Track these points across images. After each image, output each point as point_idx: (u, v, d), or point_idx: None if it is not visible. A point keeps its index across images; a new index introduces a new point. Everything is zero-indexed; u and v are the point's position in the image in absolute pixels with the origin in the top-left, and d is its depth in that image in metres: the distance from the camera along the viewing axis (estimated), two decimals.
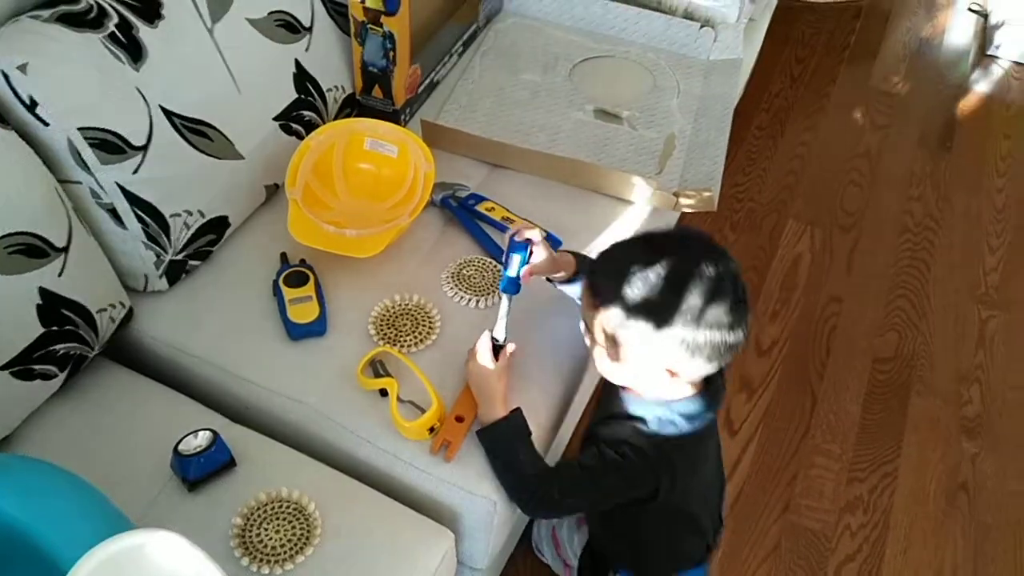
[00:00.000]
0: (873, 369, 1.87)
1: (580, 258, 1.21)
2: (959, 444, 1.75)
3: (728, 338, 0.96)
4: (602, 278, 1.02)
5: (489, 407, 1.11)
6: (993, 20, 2.85)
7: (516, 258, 1.12)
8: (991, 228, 2.23)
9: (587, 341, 1.07)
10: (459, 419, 1.13)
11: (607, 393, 1.13)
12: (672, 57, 1.79)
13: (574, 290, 1.20)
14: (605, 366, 1.05)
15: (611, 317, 0.98)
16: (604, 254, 1.04)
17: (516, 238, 1.12)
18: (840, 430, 1.76)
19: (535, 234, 1.13)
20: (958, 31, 2.92)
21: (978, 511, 1.64)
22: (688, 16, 1.84)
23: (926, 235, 2.19)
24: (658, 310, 0.95)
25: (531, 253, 1.13)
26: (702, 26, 1.81)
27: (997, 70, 2.76)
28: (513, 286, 1.14)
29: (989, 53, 2.79)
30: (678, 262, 0.96)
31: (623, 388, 1.07)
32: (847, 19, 2.91)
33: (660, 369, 0.98)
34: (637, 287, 0.95)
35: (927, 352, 1.92)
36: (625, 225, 1.44)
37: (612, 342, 1.00)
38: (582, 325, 1.06)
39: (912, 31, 2.90)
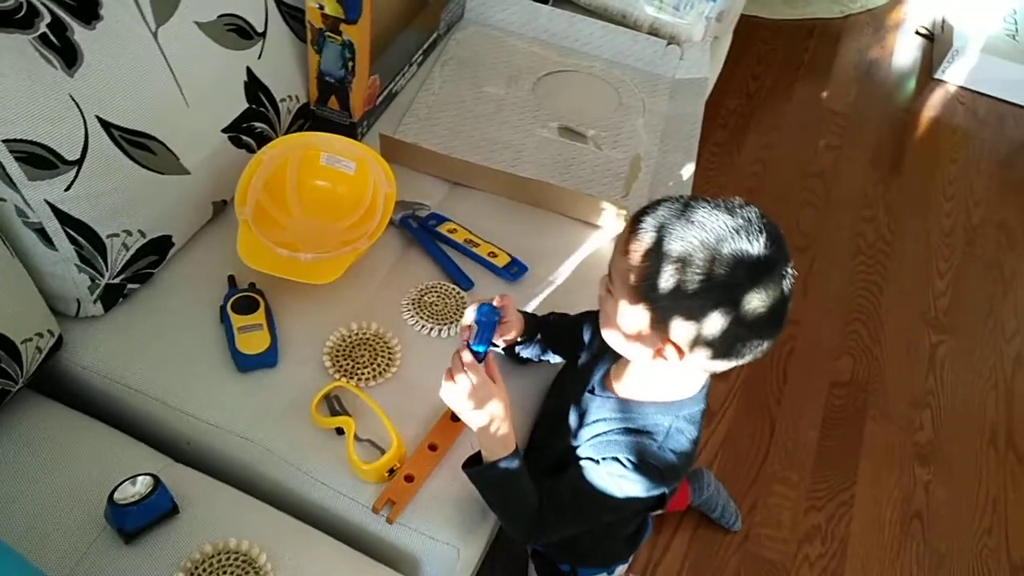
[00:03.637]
0: (830, 394, 1.87)
1: (528, 317, 1.14)
2: (912, 470, 1.76)
3: (759, 337, 0.88)
4: (655, 292, 0.87)
5: (504, 441, 0.96)
6: (939, 44, 2.91)
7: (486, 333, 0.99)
8: (940, 252, 2.26)
9: (613, 340, 0.96)
10: (408, 479, 1.05)
11: (588, 411, 1.04)
12: (638, 74, 1.75)
13: (529, 352, 1.15)
14: (643, 365, 0.96)
15: (655, 311, 0.88)
16: (644, 265, 0.88)
17: (483, 314, 0.99)
18: (798, 457, 1.74)
19: (506, 305, 1.05)
20: (905, 53, 2.97)
21: (932, 539, 1.65)
22: (654, 32, 1.81)
23: (879, 258, 2.21)
24: (730, 310, 0.84)
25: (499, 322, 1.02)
26: (668, 43, 1.77)
27: (944, 94, 2.81)
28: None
29: (936, 76, 2.84)
30: (743, 232, 0.84)
31: (628, 400, 1.00)
32: (800, 37, 2.93)
33: (705, 360, 0.89)
34: (686, 243, 0.84)
35: (881, 377, 1.92)
36: (593, 250, 1.39)
37: (634, 293, 0.89)
38: (626, 346, 0.95)
39: (861, 52, 2.93)
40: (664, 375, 0.97)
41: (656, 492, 0.99)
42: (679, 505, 1.56)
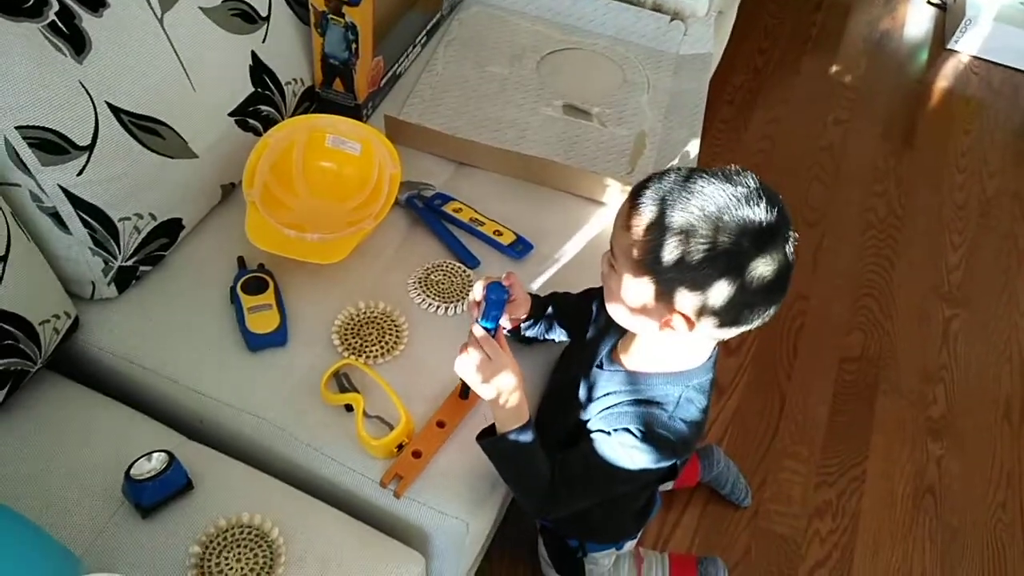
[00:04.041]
0: (840, 369, 1.87)
1: (534, 298, 1.16)
2: (925, 445, 1.75)
3: (766, 303, 0.89)
4: (659, 264, 0.88)
5: (517, 413, 0.98)
6: (952, 14, 2.87)
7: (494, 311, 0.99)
8: (953, 225, 2.25)
9: (619, 314, 0.97)
10: (416, 455, 1.06)
11: (597, 385, 1.06)
12: (641, 51, 1.74)
13: (533, 331, 1.17)
14: (650, 337, 0.96)
15: (648, 237, 0.88)
16: (648, 238, 0.89)
17: (493, 292, 0.99)
18: (808, 432, 1.75)
19: (513, 284, 1.06)
20: (917, 24, 2.94)
21: (945, 513, 1.65)
22: (657, 8, 1.80)
23: (890, 232, 2.20)
24: (736, 278, 0.85)
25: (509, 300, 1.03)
26: (671, 19, 1.77)
27: (957, 64, 2.78)
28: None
29: (948, 47, 2.81)
30: (744, 199, 0.85)
31: (636, 372, 1.01)
32: (808, 10, 2.90)
33: (712, 329, 0.90)
34: (688, 214, 0.85)
35: (892, 352, 1.92)
36: (598, 227, 1.40)
37: (638, 267, 0.90)
38: (631, 320, 0.96)
39: (872, 24, 2.90)
40: (671, 346, 0.98)
41: (667, 462, 1.01)
42: (689, 481, 1.57)
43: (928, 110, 2.61)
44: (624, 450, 0.98)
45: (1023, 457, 1.76)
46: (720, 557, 1.45)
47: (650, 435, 0.97)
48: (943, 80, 2.73)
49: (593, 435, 1.01)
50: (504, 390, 0.96)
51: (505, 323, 1.12)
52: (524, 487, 1.04)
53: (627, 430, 0.98)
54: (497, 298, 0.98)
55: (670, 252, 0.87)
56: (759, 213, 0.85)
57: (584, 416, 1.07)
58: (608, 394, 1.03)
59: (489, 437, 1.01)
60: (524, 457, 1.00)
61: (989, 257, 2.17)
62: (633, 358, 1.04)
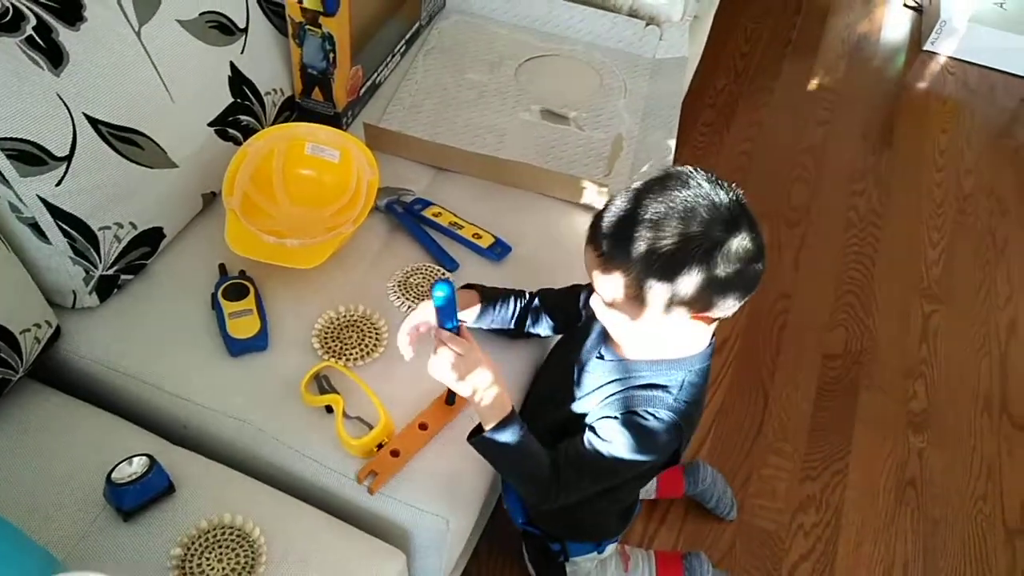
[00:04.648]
0: (823, 366, 1.89)
1: (479, 289, 1.17)
2: (906, 439, 1.77)
3: (756, 267, 0.91)
4: (611, 236, 0.92)
5: (498, 407, 0.98)
6: (927, 16, 2.91)
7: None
8: (931, 222, 2.27)
9: (599, 311, 0.99)
10: (394, 453, 1.08)
11: (597, 376, 1.07)
12: (618, 56, 1.77)
13: (484, 322, 1.18)
14: (627, 330, 0.98)
15: (629, 276, 0.91)
16: (604, 213, 0.94)
17: (435, 293, 0.94)
18: (792, 428, 1.76)
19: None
20: (894, 27, 2.98)
21: (926, 505, 1.67)
22: (633, 14, 1.83)
23: (870, 230, 2.22)
24: (680, 254, 0.88)
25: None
26: (647, 24, 1.80)
27: (933, 65, 2.82)
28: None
29: (925, 48, 2.84)
30: (688, 198, 0.88)
31: (638, 361, 1.03)
32: (788, 14, 2.94)
33: (687, 318, 0.93)
34: (652, 236, 0.88)
35: (874, 348, 1.94)
36: (576, 229, 1.42)
37: (635, 302, 0.92)
38: (591, 299, 0.99)
39: (850, 27, 2.94)
40: (670, 334, 0.98)
41: (674, 445, 1.03)
42: (674, 493, 1.58)
43: (906, 110, 2.65)
44: (631, 434, 1.00)
45: (1003, 449, 1.78)
46: (705, 552, 1.47)
47: (658, 417, 0.99)
48: (920, 81, 2.76)
49: (599, 422, 1.02)
50: (480, 385, 0.97)
51: (467, 316, 1.13)
52: (523, 478, 1.05)
53: (634, 413, 1.00)
54: (444, 297, 0.94)
55: (656, 275, 0.89)
56: (720, 197, 0.89)
57: (580, 408, 1.08)
58: (610, 382, 1.05)
59: (479, 435, 1.01)
60: (516, 449, 1.00)
61: (967, 253, 2.20)
62: (633, 347, 1.04)
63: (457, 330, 0.98)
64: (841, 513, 1.64)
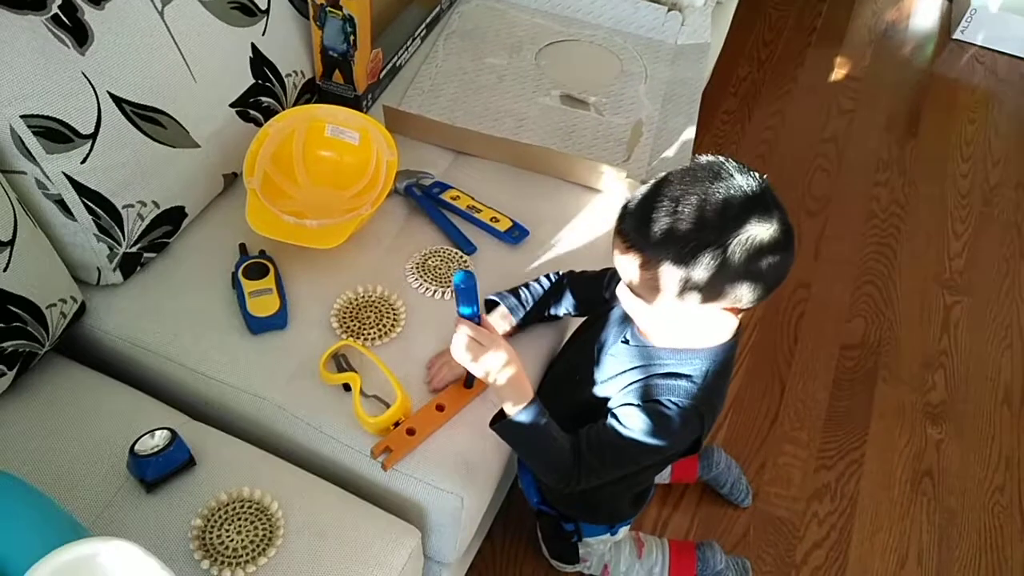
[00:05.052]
0: (841, 356, 1.88)
1: (510, 305, 1.19)
2: (924, 430, 1.76)
3: (775, 259, 0.90)
4: (632, 217, 0.93)
5: (517, 391, 0.99)
6: (958, 3, 2.87)
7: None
8: (956, 213, 2.25)
9: (620, 294, 1.00)
10: (410, 432, 1.09)
11: (623, 360, 1.07)
12: (639, 41, 1.76)
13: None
14: (645, 315, 0.99)
15: (644, 257, 0.91)
16: (635, 210, 0.93)
17: (456, 281, 0.97)
18: (808, 417, 1.76)
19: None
20: (923, 15, 2.94)
21: (942, 496, 1.66)
22: (655, 0, 1.82)
23: (892, 221, 2.20)
24: (694, 238, 0.88)
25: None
26: (669, 10, 1.79)
27: (962, 54, 2.78)
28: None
29: (954, 37, 2.81)
30: (713, 185, 0.88)
31: (663, 348, 1.03)
32: (813, 2, 2.91)
33: (703, 306, 0.93)
34: (670, 219, 0.88)
35: (893, 338, 1.93)
36: (594, 214, 1.42)
37: (650, 285, 0.93)
38: (624, 294, 0.99)
39: (877, 14, 2.91)
40: (689, 322, 0.98)
41: (694, 434, 1.04)
42: (688, 478, 1.58)
43: (933, 100, 2.61)
44: (654, 421, 1.00)
45: (1022, 442, 1.76)
46: (719, 539, 1.47)
47: (681, 406, 1.00)
48: (948, 70, 2.73)
49: (621, 408, 1.03)
50: (493, 368, 0.98)
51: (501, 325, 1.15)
52: (545, 463, 1.05)
53: (656, 401, 1.01)
54: (464, 285, 0.96)
55: (695, 270, 0.89)
56: (749, 186, 0.89)
57: (601, 391, 1.09)
58: (633, 368, 1.05)
59: (500, 421, 1.02)
60: (536, 434, 1.01)
61: (991, 245, 2.18)
62: (653, 333, 1.04)
63: (478, 316, 0.98)
64: (856, 502, 1.63)
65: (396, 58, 1.59)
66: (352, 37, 1.38)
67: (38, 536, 0.75)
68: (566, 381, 1.20)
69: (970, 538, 1.60)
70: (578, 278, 1.23)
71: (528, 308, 1.20)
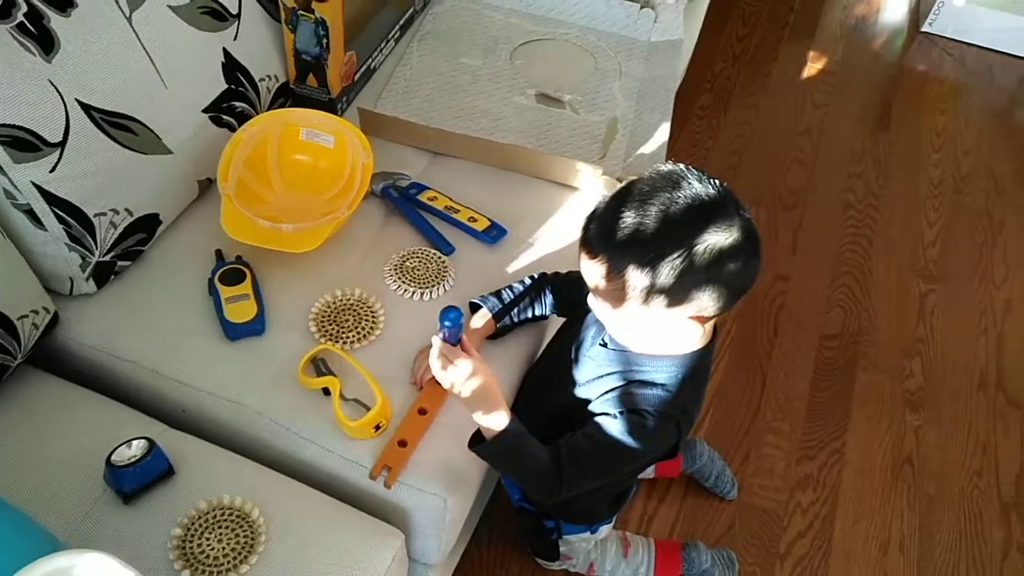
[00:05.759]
0: (820, 346, 1.89)
1: (491, 306, 1.19)
2: (903, 417, 1.78)
3: (739, 265, 0.90)
4: (596, 222, 0.94)
5: (493, 415, 0.99)
6: None
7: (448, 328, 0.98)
8: (929, 203, 2.27)
9: (589, 299, 1.01)
10: (402, 444, 1.09)
11: (600, 364, 1.08)
12: (612, 39, 1.77)
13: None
14: (612, 320, 1.00)
15: (609, 263, 0.92)
16: (599, 218, 0.94)
17: (443, 320, 0.96)
18: (790, 408, 1.77)
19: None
20: (892, 8, 2.97)
21: (922, 482, 1.68)
22: None
23: (868, 212, 2.22)
24: (657, 243, 0.89)
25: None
26: (642, 7, 1.79)
27: (931, 46, 2.81)
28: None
29: (923, 30, 2.84)
30: (676, 193, 0.89)
31: (640, 354, 1.03)
32: None
33: (668, 312, 0.93)
34: (633, 224, 0.89)
35: (871, 328, 1.95)
36: (571, 211, 1.42)
37: (615, 290, 0.93)
38: (592, 300, 1.00)
39: (847, 9, 2.93)
40: (671, 329, 0.99)
41: (672, 440, 1.04)
42: (671, 472, 1.59)
43: (904, 92, 2.64)
44: (631, 431, 1.01)
45: (998, 426, 1.79)
46: (705, 532, 1.48)
47: (656, 416, 1.01)
48: (918, 62, 2.76)
49: (599, 418, 1.04)
50: (458, 380, 0.96)
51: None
52: (526, 479, 1.08)
53: (634, 411, 1.02)
54: (453, 325, 0.96)
55: (660, 277, 0.90)
56: (709, 193, 0.90)
57: (580, 394, 1.09)
58: (612, 373, 1.06)
59: (479, 444, 1.02)
60: (516, 453, 1.02)
61: (964, 233, 2.20)
62: (623, 338, 1.05)
63: (458, 341, 0.98)
64: (838, 491, 1.65)
65: (370, 60, 1.58)
66: (325, 40, 1.38)
67: (11, 550, 0.74)
68: (546, 384, 1.21)
69: (950, 523, 1.62)
70: (560, 280, 1.23)
71: (510, 310, 1.20)
